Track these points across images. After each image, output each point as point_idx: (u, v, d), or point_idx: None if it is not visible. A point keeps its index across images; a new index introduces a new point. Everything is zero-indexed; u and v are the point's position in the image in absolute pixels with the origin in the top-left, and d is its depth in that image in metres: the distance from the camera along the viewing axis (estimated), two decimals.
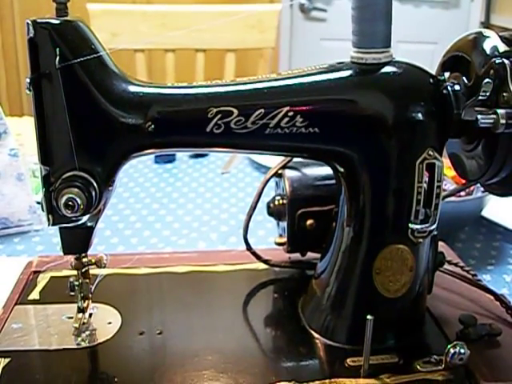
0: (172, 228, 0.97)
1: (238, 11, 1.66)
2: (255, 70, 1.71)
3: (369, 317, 0.53)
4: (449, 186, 0.90)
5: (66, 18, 0.51)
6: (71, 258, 0.60)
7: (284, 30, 2.70)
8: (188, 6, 1.70)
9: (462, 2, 2.71)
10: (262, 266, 0.72)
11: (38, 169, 1.10)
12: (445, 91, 0.56)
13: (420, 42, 2.58)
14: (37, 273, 0.71)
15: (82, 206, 0.50)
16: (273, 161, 1.13)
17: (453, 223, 0.87)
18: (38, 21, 0.50)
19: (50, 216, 0.53)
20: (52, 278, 0.70)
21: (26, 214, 0.97)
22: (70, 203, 0.50)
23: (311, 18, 2.73)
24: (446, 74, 0.60)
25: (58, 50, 0.49)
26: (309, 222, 0.66)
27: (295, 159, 0.68)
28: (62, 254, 0.74)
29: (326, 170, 0.66)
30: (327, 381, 0.54)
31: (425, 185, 0.55)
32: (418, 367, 0.56)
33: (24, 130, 1.16)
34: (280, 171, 0.68)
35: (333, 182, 0.63)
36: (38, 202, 1.03)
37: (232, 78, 1.68)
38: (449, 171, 0.81)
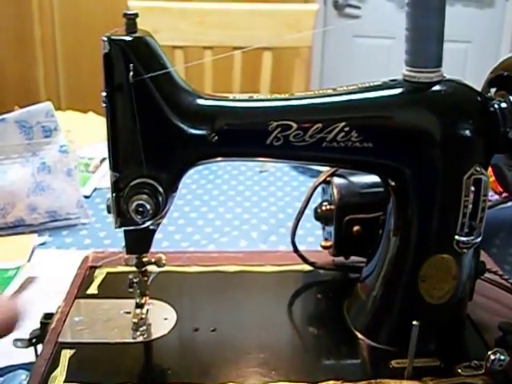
0: (214, 225, 1.00)
1: (276, 10, 1.68)
2: (291, 68, 1.73)
3: (415, 322, 0.56)
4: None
5: (137, 35, 0.54)
6: (125, 255, 0.63)
7: (317, 27, 2.71)
8: (226, 4, 1.73)
9: (497, 1, 2.70)
10: (307, 267, 0.75)
11: (84, 163, 1.15)
12: (492, 109, 0.58)
13: (454, 40, 2.57)
14: (93, 268, 0.75)
15: (150, 212, 0.54)
16: None
17: (488, 229, 0.89)
18: (113, 37, 0.53)
19: (119, 219, 0.57)
20: (108, 273, 0.73)
21: (74, 207, 1.01)
22: (140, 209, 0.54)
23: (345, 15, 2.74)
24: (492, 90, 0.62)
25: (131, 65, 0.53)
26: (355, 228, 0.69)
27: None
28: (114, 250, 0.78)
29: (372, 178, 0.68)
30: (373, 381, 0.57)
31: (471, 198, 0.57)
32: (460, 371, 0.59)
33: (72, 127, 1.20)
34: (328, 178, 0.71)
35: (379, 189, 0.66)
36: (86, 197, 1.07)
37: (269, 75, 1.71)
38: None
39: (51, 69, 2.63)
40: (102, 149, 1.24)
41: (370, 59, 2.71)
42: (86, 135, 1.28)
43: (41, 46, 2.60)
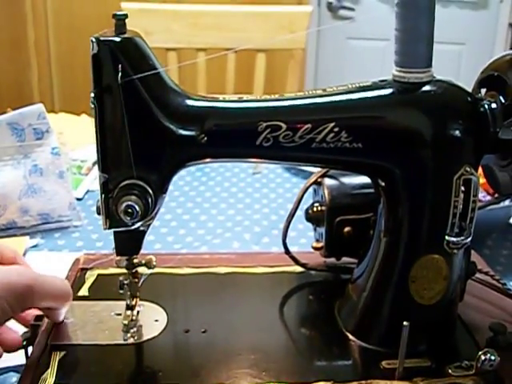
0: (206, 227, 1.00)
1: (270, 12, 1.69)
2: (285, 70, 1.73)
3: (405, 323, 0.55)
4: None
5: (126, 36, 0.54)
6: (116, 257, 0.63)
7: (311, 28, 2.72)
8: (219, 6, 1.73)
9: (491, 3, 2.71)
10: (299, 268, 0.75)
11: (76, 166, 1.15)
12: (482, 109, 0.58)
13: (447, 42, 2.58)
14: (84, 270, 0.75)
15: (140, 213, 0.54)
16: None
17: (481, 230, 0.89)
18: (101, 38, 0.53)
19: (107, 220, 0.57)
20: (99, 275, 0.73)
21: (66, 210, 1.00)
22: (130, 210, 0.54)
23: (338, 17, 2.75)
24: (483, 91, 0.63)
25: (120, 66, 0.52)
26: (346, 229, 0.69)
27: None
28: (105, 252, 0.78)
29: (363, 179, 0.69)
30: (364, 381, 0.57)
31: (461, 199, 0.58)
32: (450, 371, 0.59)
33: (65, 129, 1.19)
34: (319, 179, 0.71)
35: (370, 190, 0.66)
36: (78, 199, 1.07)
37: (262, 77, 1.71)
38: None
39: (45, 72, 2.63)
40: (94, 151, 1.23)
41: (364, 61, 2.71)
42: (78, 137, 1.28)
43: (34, 50, 2.60)
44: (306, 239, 0.94)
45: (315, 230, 0.75)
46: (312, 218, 0.73)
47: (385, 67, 2.59)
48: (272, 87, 1.70)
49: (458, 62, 2.69)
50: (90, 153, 1.22)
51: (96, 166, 1.18)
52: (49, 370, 0.57)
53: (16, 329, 0.62)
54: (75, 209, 1.01)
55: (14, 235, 0.96)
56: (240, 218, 1.03)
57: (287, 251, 0.74)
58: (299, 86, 1.87)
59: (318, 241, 0.74)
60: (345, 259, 0.74)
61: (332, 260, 0.75)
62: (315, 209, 0.72)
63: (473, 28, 2.72)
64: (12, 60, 2.60)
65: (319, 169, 0.72)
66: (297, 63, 1.72)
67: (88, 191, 1.12)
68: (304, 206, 0.75)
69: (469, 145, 0.57)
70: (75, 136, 1.26)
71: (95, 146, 0.56)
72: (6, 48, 2.59)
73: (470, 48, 2.73)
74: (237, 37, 1.64)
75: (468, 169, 0.57)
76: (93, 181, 1.14)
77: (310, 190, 0.74)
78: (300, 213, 0.75)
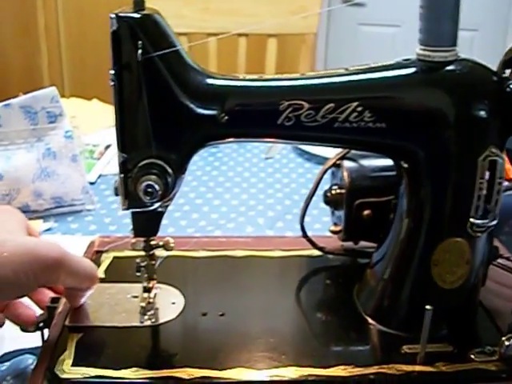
0: (220, 211, 0.99)
1: None
2: (297, 55, 1.72)
3: (428, 307, 0.55)
4: None
5: (145, 12, 0.53)
6: (132, 239, 0.62)
7: (322, 14, 2.70)
8: None
9: None
10: (316, 252, 0.74)
11: (88, 150, 1.14)
12: (508, 89, 0.57)
13: (460, 28, 2.55)
14: (99, 252, 0.74)
15: (160, 193, 0.53)
16: (316, 148, 1.14)
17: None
18: (121, 15, 0.52)
19: (126, 200, 0.56)
20: (115, 258, 0.73)
21: (79, 193, 1.00)
22: (149, 190, 0.53)
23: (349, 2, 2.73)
24: (507, 71, 0.61)
25: (140, 43, 0.51)
26: (366, 212, 0.68)
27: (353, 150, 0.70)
28: (120, 235, 0.77)
29: (384, 162, 0.67)
30: (385, 366, 0.56)
31: (485, 181, 0.56)
32: (473, 357, 0.58)
33: (78, 113, 1.19)
34: (338, 162, 0.70)
35: (390, 173, 0.65)
36: (91, 183, 1.06)
37: (273, 62, 1.69)
38: None
39: (55, 58, 2.62)
40: (106, 136, 1.23)
41: (374, 47, 2.69)
42: (90, 122, 1.27)
43: (44, 35, 2.59)
44: (320, 224, 0.93)
45: (333, 213, 0.74)
46: (331, 200, 0.71)
47: (395, 53, 2.57)
48: (283, 72, 1.68)
49: (470, 49, 2.66)
50: (102, 137, 1.22)
51: (108, 150, 1.18)
52: (66, 352, 0.57)
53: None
54: (88, 192, 1.01)
55: (28, 219, 0.95)
56: (253, 203, 1.03)
57: (305, 234, 0.73)
58: (310, 71, 1.86)
59: (336, 224, 0.73)
60: (362, 243, 0.73)
61: (350, 244, 0.74)
62: (334, 191, 0.70)
63: (486, 14, 2.69)
64: (22, 46, 2.59)
65: (333, 154, 0.71)
66: (308, 48, 1.71)
67: (100, 175, 1.11)
68: (319, 192, 0.74)
69: (494, 125, 0.56)
70: (87, 120, 1.26)
71: (112, 128, 0.55)
72: (16, 34, 2.58)
73: (483, 34, 2.70)
74: (248, 22, 1.62)
75: (493, 150, 0.56)
76: (105, 165, 1.14)
77: (326, 175, 0.73)
78: (315, 198, 0.74)
